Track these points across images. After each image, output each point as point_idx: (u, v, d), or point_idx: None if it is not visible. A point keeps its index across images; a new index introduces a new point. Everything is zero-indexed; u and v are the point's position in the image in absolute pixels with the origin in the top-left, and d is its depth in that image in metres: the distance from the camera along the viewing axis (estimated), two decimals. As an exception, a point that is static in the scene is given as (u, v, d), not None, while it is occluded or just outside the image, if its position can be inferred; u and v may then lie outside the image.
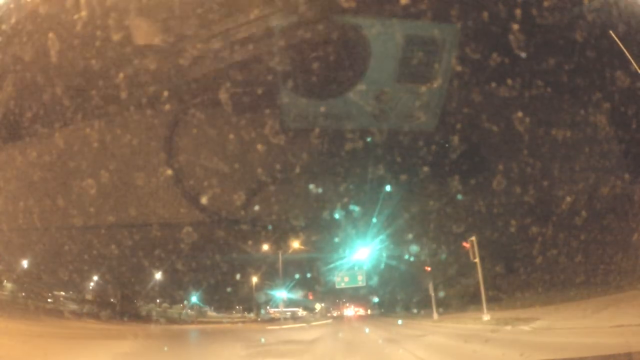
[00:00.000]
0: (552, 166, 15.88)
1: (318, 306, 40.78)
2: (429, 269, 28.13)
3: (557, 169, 16.01)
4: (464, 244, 21.64)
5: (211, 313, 30.91)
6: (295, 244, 27.48)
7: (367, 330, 23.66)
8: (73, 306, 20.39)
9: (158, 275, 24.33)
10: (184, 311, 26.87)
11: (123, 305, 21.46)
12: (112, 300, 21.26)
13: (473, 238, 21.60)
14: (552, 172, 16.05)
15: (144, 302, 25.63)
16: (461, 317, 23.39)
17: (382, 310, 48.24)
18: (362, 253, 27.23)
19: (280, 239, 27.10)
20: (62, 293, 20.85)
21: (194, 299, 28.18)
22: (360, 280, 29.70)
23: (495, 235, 20.50)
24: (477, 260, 21.44)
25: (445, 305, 29.88)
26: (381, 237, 26.11)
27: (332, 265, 29.54)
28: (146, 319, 22.37)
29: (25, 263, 18.36)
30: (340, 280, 29.60)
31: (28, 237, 16.44)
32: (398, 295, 38.72)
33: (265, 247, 27.08)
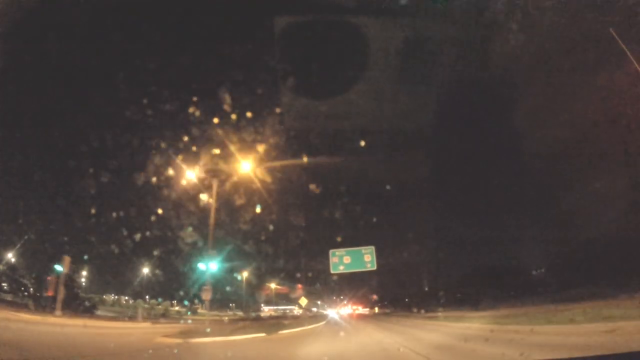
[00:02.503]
0: None
1: (304, 301, 28.69)
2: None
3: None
4: None
5: (202, 310, 29.93)
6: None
7: None
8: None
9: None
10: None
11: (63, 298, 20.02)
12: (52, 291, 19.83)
13: None
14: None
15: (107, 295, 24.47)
16: None
17: (387, 310, 42.68)
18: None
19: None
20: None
21: (58, 268, 19.98)
22: (369, 263, 20.55)
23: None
24: None
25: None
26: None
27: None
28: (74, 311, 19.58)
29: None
30: (338, 262, 20.50)
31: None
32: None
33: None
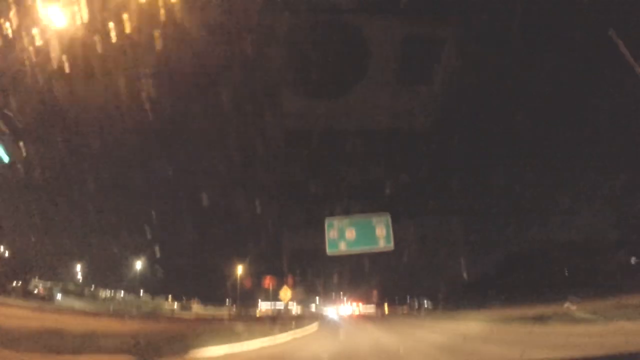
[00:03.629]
0: None
1: (286, 294, 21.37)
2: None
3: None
4: None
5: (197, 307, 29.55)
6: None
7: None
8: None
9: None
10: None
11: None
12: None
13: None
14: None
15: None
16: None
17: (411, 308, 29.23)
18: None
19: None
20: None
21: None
22: (382, 239, 13.08)
23: None
24: None
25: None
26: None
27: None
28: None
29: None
30: (337, 239, 13.09)
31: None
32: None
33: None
